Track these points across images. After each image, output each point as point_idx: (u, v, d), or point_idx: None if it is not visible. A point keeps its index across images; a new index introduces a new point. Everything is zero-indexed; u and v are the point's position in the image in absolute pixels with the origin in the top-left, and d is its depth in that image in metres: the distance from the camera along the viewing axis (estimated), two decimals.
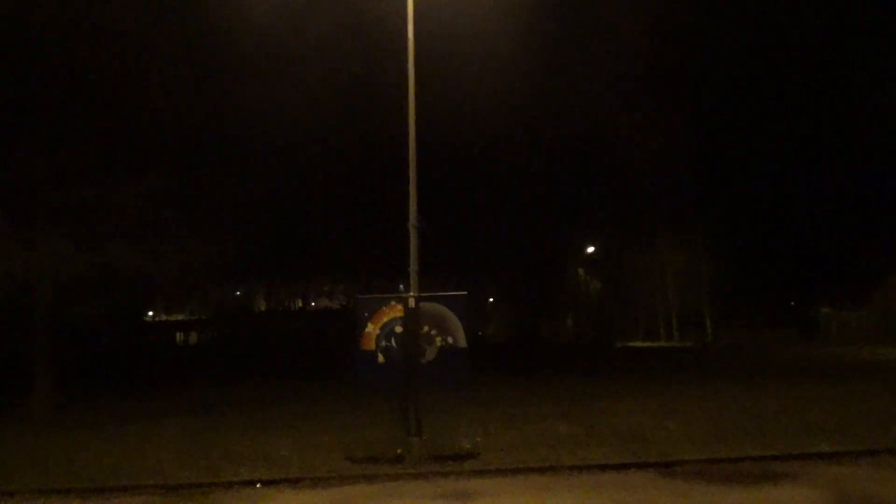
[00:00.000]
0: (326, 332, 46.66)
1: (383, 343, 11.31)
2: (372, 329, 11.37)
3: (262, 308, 63.92)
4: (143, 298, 27.29)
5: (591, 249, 50.67)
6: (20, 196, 17.58)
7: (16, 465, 11.87)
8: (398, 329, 11.38)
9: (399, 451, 11.81)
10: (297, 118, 22.52)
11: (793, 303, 61.87)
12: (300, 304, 65.59)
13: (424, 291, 12.06)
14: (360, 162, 25.75)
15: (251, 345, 39.35)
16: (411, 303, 11.16)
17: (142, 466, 11.61)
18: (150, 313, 50.41)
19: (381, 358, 11.33)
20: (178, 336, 51.90)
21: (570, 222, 44.88)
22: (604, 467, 10.75)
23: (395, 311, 11.42)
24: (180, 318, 52.27)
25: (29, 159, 17.12)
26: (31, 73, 16.72)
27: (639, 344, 51.14)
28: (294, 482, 10.30)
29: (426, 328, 11.33)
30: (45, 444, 13.83)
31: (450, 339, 11.27)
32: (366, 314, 11.41)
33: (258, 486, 10.26)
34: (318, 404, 18.04)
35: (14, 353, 21.48)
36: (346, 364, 30.39)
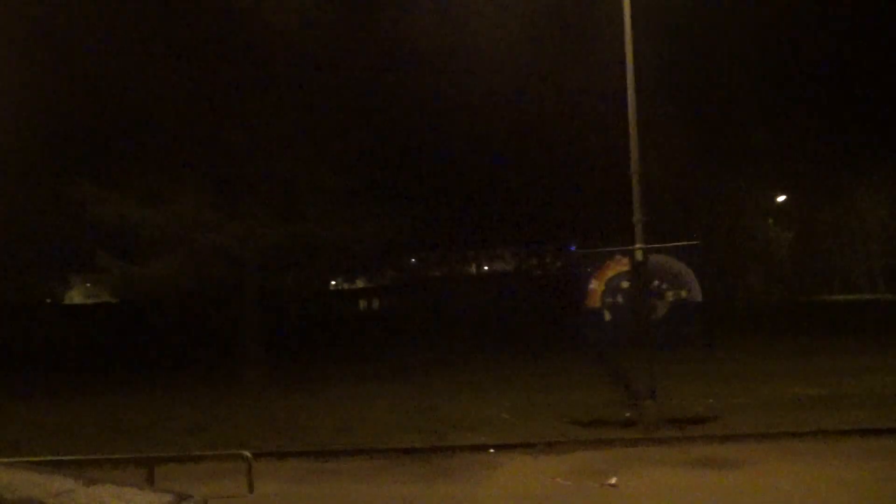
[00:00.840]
0: (503, 295, 46.47)
1: (609, 299, 10.52)
2: (596, 285, 10.62)
3: (437, 274, 64.75)
4: (339, 268, 27.95)
5: (781, 199, 47.12)
6: (227, 171, 18.18)
7: (247, 429, 12.20)
8: (625, 284, 10.54)
9: (627, 414, 11.08)
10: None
11: None
12: (474, 269, 65.98)
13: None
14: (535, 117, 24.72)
15: (433, 309, 39.77)
16: (639, 255, 10.32)
17: (366, 430, 11.59)
18: (332, 282, 52.26)
19: (607, 315, 10.55)
20: (362, 303, 53.53)
21: (756, 169, 41.79)
22: (870, 432, 9.51)
23: (620, 265, 10.61)
24: (360, 285, 53.91)
25: (233, 136, 17.63)
26: (231, 53, 17.14)
27: (839, 298, 47.25)
28: (528, 447, 9.83)
29: (656, 282, 10.43)
30: (266, 409, 14.23)
31: (683, 293, 10.32)
32: (588, 270, 10.66)
33: (491, 451, 9.88)
34: (524, 366, 17.66)
35: (224, 323, 22.60)
36: (536, 325, 30.23)
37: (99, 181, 17.63)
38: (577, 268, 11.40)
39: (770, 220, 46.96)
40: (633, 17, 10.95)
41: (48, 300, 36.80)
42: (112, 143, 18.62)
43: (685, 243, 10.73)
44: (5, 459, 4.41)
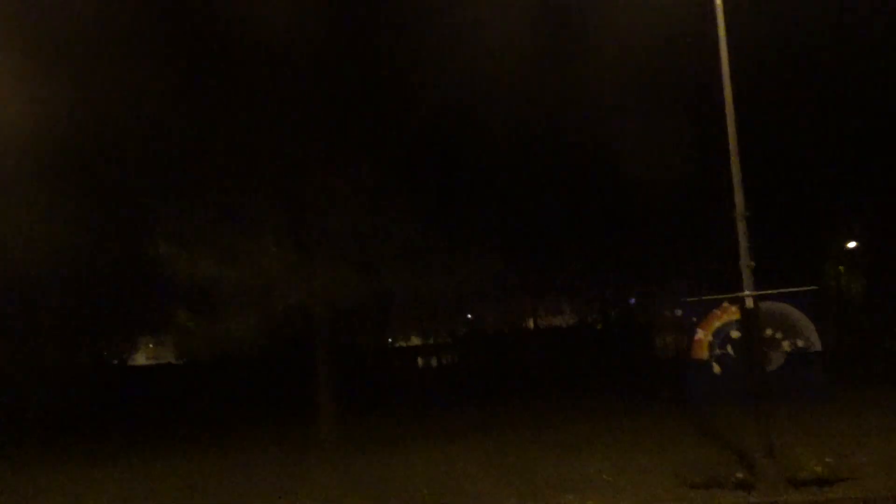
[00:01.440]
0: (566, 348, 45.45)
1: (717, 351, 9.95)
2: (703, 335, 10.08)
3: (491, 330, 63.87)
4: (409, 323, 27.69)
5: (851, 245, 45.61)
6: (297, 224, 18.13)
7: (336, 493, 11.77)
8: (734, 334, 9.96)
9: (739, 474, 10.36)
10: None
11: None
12: (532, 324, 65.15)
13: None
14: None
15: (498, 366, 39.07)
16: (749, 303, 9.76)
17: (460, 489, 11.09)
18: (389, 340, 51.92)
19: (716, 368, 9.97)
20: (420, 360, 52.94)
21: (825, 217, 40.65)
22: None
23: (729, 313, 10.04)
24: (416, 342, 53.58)
25: (305, 186, 17.64)
26: (309, 98, 17.21)
27: None
28: None
29: (769, 331, 9.82)
30: (350, 470, 13.81)
31: (800, 342, 9.69)
32: (694, 319, 10.14)
33: None
34: (612, 422, 16.95)
35: (294, 381, 22.39)
36: (630, 377, 29.24)
37: (175, 240, 17.76)
38: (683, 316, 10.86)
39: (840, 268, 45.55)
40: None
41: (115, 361, 37.17)
42: (186, 200, 18.79)
43: (800, 289, 10.14)
44: None
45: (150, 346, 51.83)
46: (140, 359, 49.46)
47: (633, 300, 54.85)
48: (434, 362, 50.00)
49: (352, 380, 27.35)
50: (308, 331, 19.16)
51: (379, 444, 16.87)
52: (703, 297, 10.69)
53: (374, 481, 12.31)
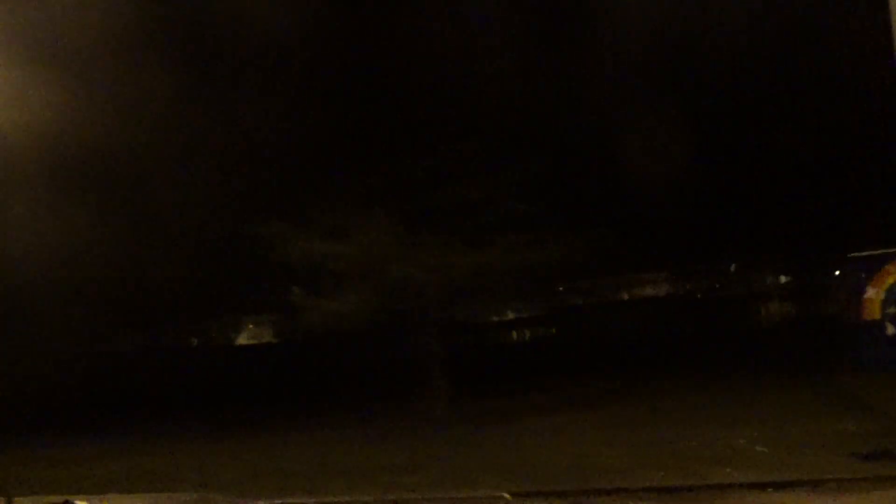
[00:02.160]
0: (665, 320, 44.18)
1: (892, 309, 9.10)
2: (874, 294, 9.23)
3: (581, 302, 62.59)
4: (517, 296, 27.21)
5: None
6: (406, 198, 17.87)
7: (467, 467, 11.45)
8: None
9: None
10: None
11: None
12: (625, 295, 63.69)
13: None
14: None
15: (596, 338, 38.21)
16: None
17: (598, 463, 10.60)
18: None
19: (890, 329, 9.14)
20: (515, 334, 52.45)
21: None
22: None
23: None
24: (510, 316, 52.99)
25: (412, 160, 17.36)
26: (410, 74, 16.94)
27: None
28: (813, 485, 8.52)
29: None
30: (475, 445, 13.50)
31: None
32: (862, 276, 9.30)
33: (770, 490, 8.64)
34: (741, 392, 16.12)
35: (401, 358, 22.27)
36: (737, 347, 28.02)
37: (286, 218, 17.77)
38: (848, 274, 10.03)
39: None
40: None
41: (221, 342, 38.07)
42: (297, 178, 18.81)
43: None
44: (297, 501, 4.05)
45: (250, 326, 52.90)
46: (241, 339, 50.61)
47: (732, 267, 52.86)
48: (529, 336, 49.51)
49: (460, 355, 27.14)
50: (420, 305, 18.95)
51: (496, 420, 16.52)
52: (875, 252, 9.81)
53: (504, 457, 11.95)
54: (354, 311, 17.75)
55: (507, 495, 4.85)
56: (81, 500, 3.84)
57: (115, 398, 25.84)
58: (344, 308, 17.90)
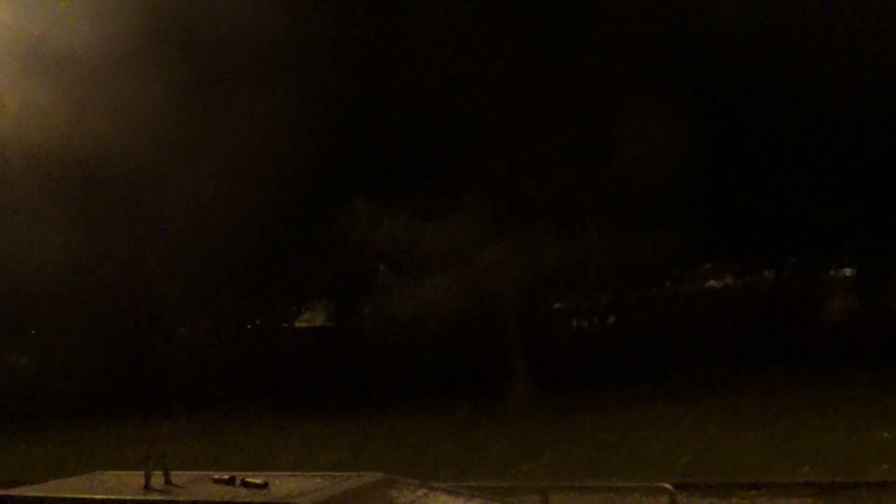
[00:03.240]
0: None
1: None
2: None
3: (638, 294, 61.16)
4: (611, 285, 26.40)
5: None
6: (505, 186, 17.41)
7: (588, 456, 11.05)
8: None
9: None
10: None
11: None
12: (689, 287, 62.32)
13: None
14: None
15: (661, 329, 37.26)
16: None
17: (729, 456, 10.07)
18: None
19: None
20: (574, 322, 51.45)
21: None
22: None
23: None
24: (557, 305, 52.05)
25: (505, 148, 16.90)
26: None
27: None
28: None
29: None
30: (575, 434, 13.09)
31: None
32: None
33: None
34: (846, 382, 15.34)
35: (486, 345, 21.84)
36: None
37: (372, 199, 17.42)
38: None
39: None
40: None
41: (285, 325, 37.89)
42: (383, 160, 18.42)
43: None
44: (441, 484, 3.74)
45: (304, 311, 52.62)
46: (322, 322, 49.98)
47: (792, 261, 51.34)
48: (589, 325, 48.61)
49: (544, 344, 26.58)
50: (506, 292, 18.48)
51: (594, 410, 15.94)
52: None
53: (621, 448, 11.48)
54: (440, 297, 17.37)
55: (668, 486, 4.41)
56: (251, 477, 3.47)
57: (199, 380, 25.91)
58: (430, 294, 17.54)
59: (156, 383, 26.60)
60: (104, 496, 3.40)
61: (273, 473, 3.70)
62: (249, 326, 35.64)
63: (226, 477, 3.63)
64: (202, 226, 22.44)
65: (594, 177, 16.87)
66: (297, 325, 46.41)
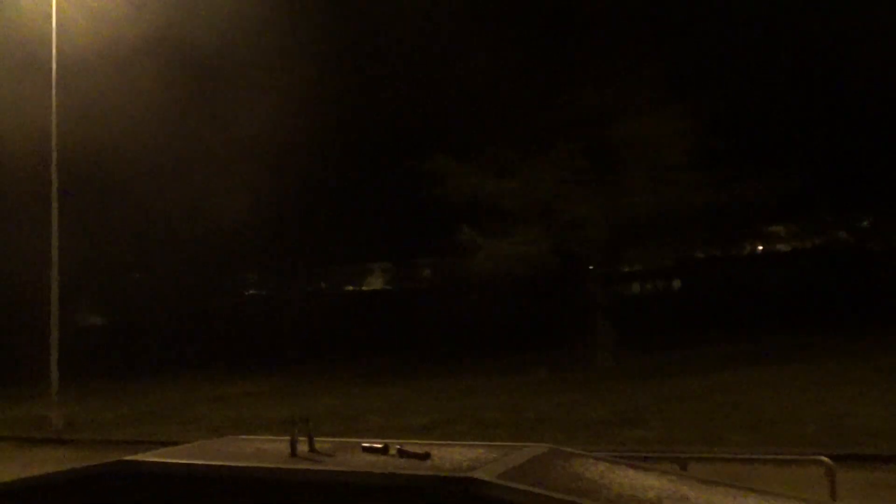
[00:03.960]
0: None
1: None
2: None
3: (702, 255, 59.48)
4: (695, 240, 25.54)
5: None
6: (588, 139, 16.54)
7: (695, 422, 10.34)
8: None
9: None
10: None
11: None
12: (754, 248, 60.49)
13: None
14: None
15: (731, 293, 36.09)
16: None
17: (865, 426, 9.22)
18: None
19: None
20: (635, 286, 50.54)
21: None
22: None
23: None
24: (626, 269, 50.94)
25: (594, 100, 16.06)
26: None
27: None
28: None
29: None
30: (677, 395, 12.40)
31: None
32: None
33: None
34: None
35: (566, 305, 21.24)
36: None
37: (452, 155, 16.78)
38: None
39: None
40: None
41: (350, 287, 37.97)
42: (461, 114, 17.77)
43: None
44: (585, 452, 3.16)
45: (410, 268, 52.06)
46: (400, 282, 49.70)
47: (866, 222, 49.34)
48: (652, 288, 47.50)
49: (626, 303, 25.86)
50: (586, 250, 17.77)
51: (689, 372, 15.15)
52: None
53: (735, 413, 10.70)
54: (524, 255, 16.74)
55: (825, 458, 3.76)
56: (408, 445, 2.94)
57: (270, 341, 26.01)
58: (513, 251, 16.91)
59: (226, 343, 26.83)
60: (250, 464, 2.88)
61: (419, 442, 3.15)
62: (311, 289, 35.71)
63: (378, 445, 3.08)
64: (269, 186, 22.32)
65: (684, 122, 15.96)
66: (364, 288, 46.52)
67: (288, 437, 3.16)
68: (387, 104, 19.08)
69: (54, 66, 13.47)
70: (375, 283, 41.97)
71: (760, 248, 60.09)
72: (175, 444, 9.92)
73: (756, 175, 16.46)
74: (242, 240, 27.38)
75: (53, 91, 13.50)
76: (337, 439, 3.38)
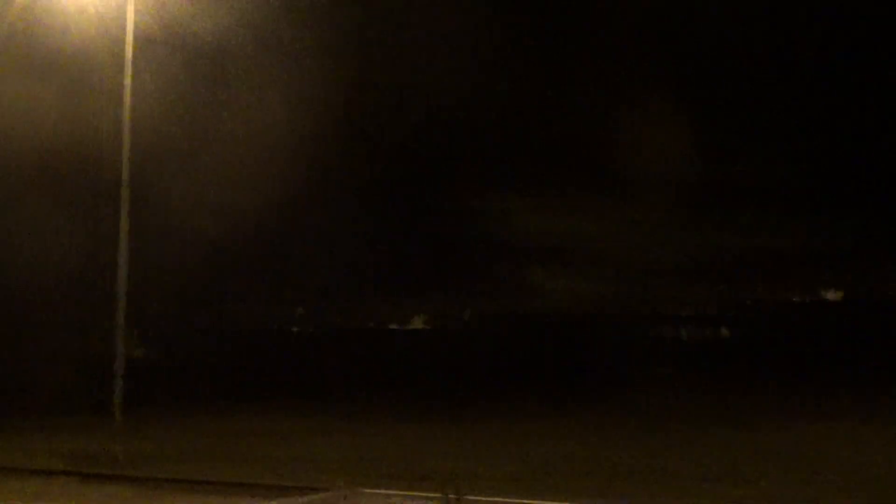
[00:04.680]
0: None
1: None
2: None
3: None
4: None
5: None
6: (664, 174, 16.03)
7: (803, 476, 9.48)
8: None
9: None
10: None
11: None
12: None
13: None
14: None
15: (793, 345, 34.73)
16: None
17: None
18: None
19: None
20: (683, 332, 49.05)
21: None
22: None
23: None
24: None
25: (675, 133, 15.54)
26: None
27: None
28: None
29: None
30: (774, 446, 11.57)
31: None
32: None
33: None
34: None
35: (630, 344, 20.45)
36: None
37: (518, 192, 16.36)
38: None
39: None
40: None
41: (392, 326, 37.35)
42: (525, 152, 17.36)
43: None
44: None
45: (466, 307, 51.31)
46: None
47: None
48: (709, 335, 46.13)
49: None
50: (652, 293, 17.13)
51: (780, 420, 14.18)
52: None
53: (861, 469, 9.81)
54: (596, 295, 16.14)
55: None
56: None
57: (315, 378, 25.48)
58: (581, 290, 16.33)
59: (272, 377, 26.39)
60: None
61: None
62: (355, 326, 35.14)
63: None
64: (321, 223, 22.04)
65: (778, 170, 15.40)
66: (408, 327, 45.80)
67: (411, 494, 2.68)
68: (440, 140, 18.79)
69: (127, 82, 13.20)
70: (417, 322, 41.40)
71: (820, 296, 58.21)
72: (248, 485, 9.33)
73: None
74: (291, 275, 27.12)
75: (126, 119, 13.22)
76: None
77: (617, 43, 15.40)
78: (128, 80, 13.09)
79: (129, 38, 13.12)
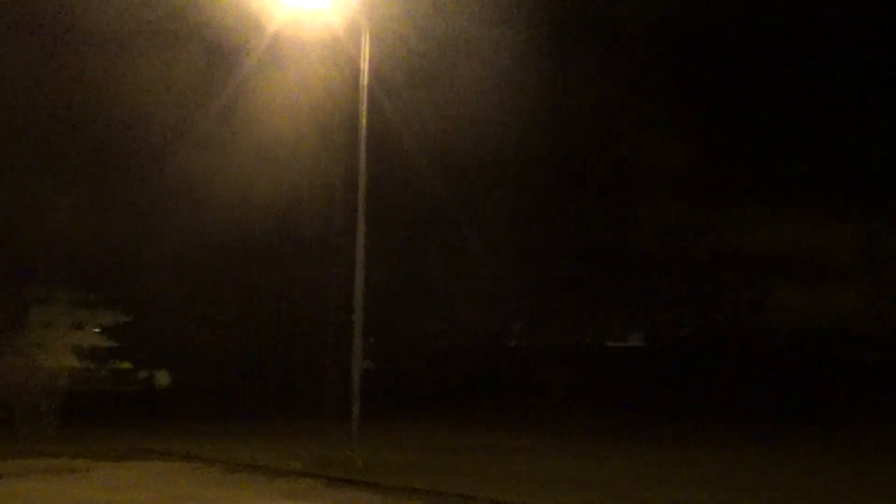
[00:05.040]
0: None
1: None
2: None
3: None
4: None
5: None
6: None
7: None
8: None
9: None
10: None
11: None
12: None
13: None
14: None
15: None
16: None
17: None
18: None
19: None
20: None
21: None
22: None
23: None
24: None
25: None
26: None
27: None
28: None
29: None
30: None
31: None
32: None
33: None
34: None
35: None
36: None
37: (760, 201, 15.24)
38: None
39: None
40: None
41: (610, 343, 36.42)
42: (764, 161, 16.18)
43: None
44: None
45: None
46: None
47: None
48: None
49: None
50: None
51: None
52: None
53: None
54: (847, 311, 14.63)
55: None
56: None
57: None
58: (829, 307, 14.86)
59: (477, 391, 26.68)
60: None
61: None
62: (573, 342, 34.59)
63: None
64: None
65: None
66: (624, 343, 44.50)
67: None
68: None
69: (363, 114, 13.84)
70: (634, 339, 40.11)
71: None
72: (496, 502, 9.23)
73: None
74: (508, 291, 27.30)
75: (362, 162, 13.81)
76: None
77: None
78: (363, 106, 13.79)
79: (364, 65, 13.82)
